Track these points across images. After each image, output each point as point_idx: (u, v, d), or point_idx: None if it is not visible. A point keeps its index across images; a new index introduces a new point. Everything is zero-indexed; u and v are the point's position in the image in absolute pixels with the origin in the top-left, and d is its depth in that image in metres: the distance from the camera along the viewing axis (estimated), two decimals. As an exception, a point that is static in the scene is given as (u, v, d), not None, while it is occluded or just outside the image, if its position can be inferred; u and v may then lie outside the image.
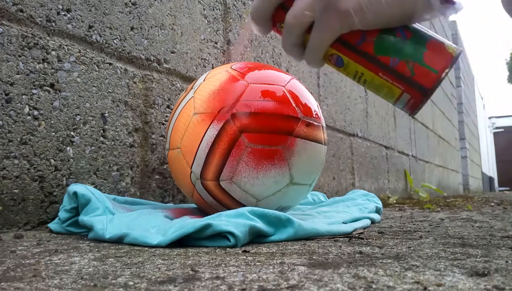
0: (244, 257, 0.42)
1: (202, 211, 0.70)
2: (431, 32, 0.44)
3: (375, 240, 0.54)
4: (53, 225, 0.61)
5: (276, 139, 0.61)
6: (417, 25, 0.44)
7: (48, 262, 0.40)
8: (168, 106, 0.87)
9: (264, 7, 0.47)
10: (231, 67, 0.67)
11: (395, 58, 0.43)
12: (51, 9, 0.66)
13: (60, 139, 0.66)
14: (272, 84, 0.64)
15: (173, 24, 0.89)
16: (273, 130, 0.61)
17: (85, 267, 0.37)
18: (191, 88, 0.68)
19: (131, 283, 0.31)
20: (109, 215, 0.58)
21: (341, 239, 0.56)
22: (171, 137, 0.67)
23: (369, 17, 0.41)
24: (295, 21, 0.45)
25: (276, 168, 0.62)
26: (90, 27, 0.72)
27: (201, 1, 0.97)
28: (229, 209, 0.60)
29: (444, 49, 0.43)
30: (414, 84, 0.43)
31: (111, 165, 0.74)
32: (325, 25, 0.43)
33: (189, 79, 0.93)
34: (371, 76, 0.44)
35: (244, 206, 0.61)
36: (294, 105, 0.64)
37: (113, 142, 0.75)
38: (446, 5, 0.41)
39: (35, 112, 0.63)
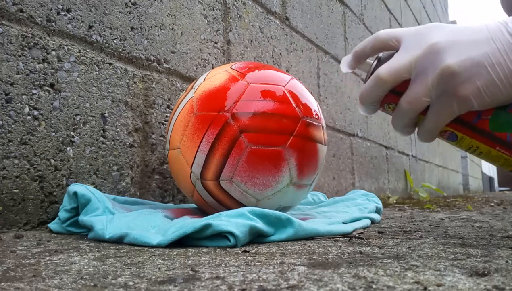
0: (244, 257, 0.42)
1: (202, 211, 0.70)
2: None
3: (375, 240, 0.54)
4: (53, 225, 0.61)
5: (276, 139, 0.61)
6: None
7: (48, 262, 0.40)
8: (168, 106, 0.87)
9: (375, 94, 0.48)
10: (231, 67, 0.67)
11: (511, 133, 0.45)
12: (51, 9, 0.66)
13: (60, 139, 0.66)
14: (272, 84, 0.64)
15: (173, 24, 0.89)
16: (273, 131, 0.61)
17: (85, 267, 0.37)
18: (191, 88, 0.68)
19: (131, 283, 0.31)
20: (109, 215, 0.58)
21: (341, 239, 0.56)
22: (171, 138, 0.67)
23: (486, 99, 0.43)
24: (410, 107, 0.46)
25: (276, 168, 0.62)
26: (90, 27, 0.72)
27: (201, 1, 0.97)
28: (229, 209, 0.60)
29: None
30: None
31: (111, 165, 0.74)
32: (443, 110, 0.45)
33: (189, 79, 0.93)
34: (487, 150, 0.47)
35: (244, 206, 0.61)
36: (294, 105, 0.64)
37: (113, 142, 0.75)
38: None
39: (35, 112, 0.63)
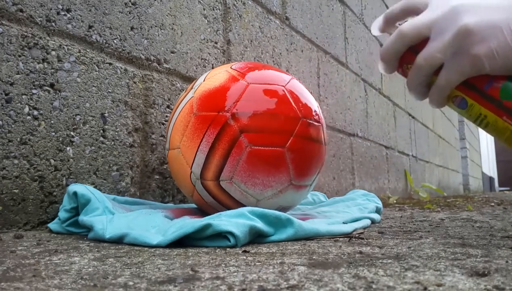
0: (244, 257, 0.42)
1: (202, 211, 0.70)
2: None
3: (375, 240, 0.54)
4: (53, 225, 0.61)
5: (276, 139, 0.61)
6: None
7: (48, 262, 0.40)
8: (168, 106, 0.87)
9: (395, 48, 0.50)
10: (231, 67, 0.67)
11: None
12: (51, 9, 0.66)
13: (60, 139, 0.66)
14: (272, 84, 0.64)
15: (173, 24, 0.89)
16: (273, 131, 0.61)
17: (85, 267, 0.37)
18: (191, 88, 0.68)
19: (131, 283, 0.31)
20: (109, 215, 0.58)
21: (341, 239, 0.56)
22: (171, 137, 0.66)
23: (498, 62, 0.44)
24: (425, 63, 0.48)
25: (276, 168, 0.62)
26: (90, 27, 0.72)
27: (201, 1, 0.97)
28: (229, 209, 0.60)
29: None
30: None
31: (111, 165, 0.74)
32: (455, 68, 0.46)
33: (189, 79, 0.93)
34: (494, 119, 0.47)
35: (244, 206, 0.61)
36: (294, 105, 0.64)
37: (113, 142, 0.75)
38: None
39: (35, 112, 0.63)
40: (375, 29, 0.56)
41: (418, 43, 0.49)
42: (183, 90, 0.91)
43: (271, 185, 0.62)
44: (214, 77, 0.66)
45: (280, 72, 0.69)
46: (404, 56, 0.51)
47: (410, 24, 0.49)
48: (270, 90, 0.63)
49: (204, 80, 0.67)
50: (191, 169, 0.63)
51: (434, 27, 0.47)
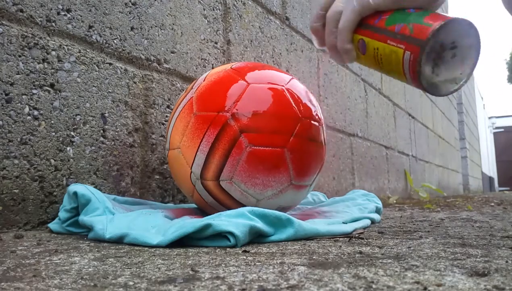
0: (244, 257, 0.42)
1: (202, 211, 0.70)
2: None
3: (375, 240, 0.54)
4: (53, 225, 0.61)
5: (276, 140, 0.61)
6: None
7: (48, 262, 0.40)
8: (168, 106, 0.87)
9: (317, 18, 0.56)
10: (231, 67, 0.67)
11: (400, 24, 0.49)
12: (51, 9, 0.66)
13: (60, 139, 0.66)
14: (272, 84, 0.64)
15: (173, 24, 0.89)
16: (273, 131, 0.61)
17: (85, 267, 0.37)
18: (191, 88, 0.68)
19: (131, 283, 0.31)
20: (109, 215, 0.58)
21: (341, 239, 0.56)
22: (171, 138, 0.66)
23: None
24: (331, 13, 0.54)
25: (276, 168, 0.62)
26: (90, 27, 0.72)
27: (201, 1, 0.97)
28: (229, 209, 0.60)
29: (445, 14, 0.48)
30: (412, 40, 0.47)
31: (111, 165, 0.74)
32: (348, 9, 0.52)
33: (189, 79, 0.93)
34: (382, 47, 0.50)
35: (244, 206, 0.61)
36: (294, 105, 0.64)
37: (113, 143, 0.75)
38: None
39: (35, 112, 0.63)
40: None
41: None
42: (183, 90, 0.91)
43: (271, 185, 0.62)
44: (214, 77, 0.66)
45: (280, 72, 0.69)
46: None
47: None
48: (270, 90, 0.63)
49: (204, 80, 0.67)
50: (191, 169, 0.63)
51: None
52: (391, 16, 0.50)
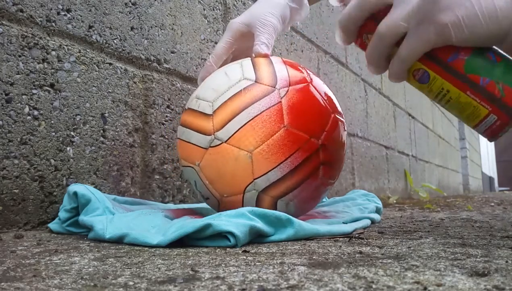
0: (244, 257, 0.42)
1: (202, 211, 0.70)
2: None
3: (375, 240, 0.54)
4: (53, 225, 0.61)
5: (338, 171, 0.66)
6: (505, 54, 0.45)
7: (48, 262, 0.40)
8: (168, 106, 0.87)
9: (356, 16, 0.47)
10: (309, 78, 0.63)
11: (486, 78, 0.43)
12: (51, 9, 0.66)
13: (60, 139, 0.66)
14: (341, 114, 0.66)
15: (173, 24, 0.89)
16: (339, 163, 0.65)
17: (85, 267, 0.37)
18: (273, 82, 0.60)
19: (131, 283, 0.31)
20: (109, 215, 0.58)
21: (341, 239, 0.56)
22: (240, 134, 0.58)
23: (465, 32, 0.42)
24: (388, 31, 0.45)
25: (320, 198, 0.67)
26: (90, 27, 0.72)
27: (201, 1, 0.97)
28: None
29: None
30: (503, 106, 0.43)
31: (111, 165, 0.74)
32: (420, 37, 0.43)
33: (189, 79, 0.93)
34: (457, 94, 0.44)
35: None
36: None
37: (113, 143, 0.75)
38: None
39: (35, 112, 0.63)
40: (333, 0, 0.53)
41: (379, 10, 0.46)
42: (183, 90, 0.91)
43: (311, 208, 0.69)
44: (300, 87, 0.61)
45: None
46: (364, 25, 0.47)
47: None
48: (342, 123, 0.65)
49: (288, 83, 0.60)
50: (254, 179, 0.58)
51: None
52: (471, 58, 0.43)
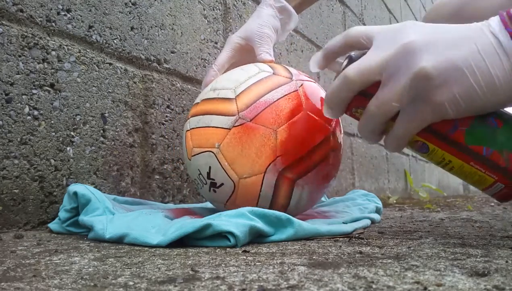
0: (244, 257, 0.42)
1: (202, 211, 0.70)
2: None
3: (375, 240, 0.54)
4: (53, 225, 0.61)
5: (338, 165, 0.69)
6: (505, 111, 0.43)
7: (48, 262, 0.40)
8: (168, 106, 0.87)
9: (342, 96, 0.45)
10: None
11: (489, 148, 0.41)
12: (51, 9, 0.66)
13: (60, 139, 0.66)
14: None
15: (173, 24, 0.89)
16: (340, 158, 0.69)
17: (85, 267, 0.37)
18: (290, 74, 0.65)
19: (131, 283, 0.31)
20: (109, 215, 0.58)
21: (341, 239, 0.56)
22: (265, 114, 0.60)
23: (463, 107, 0.40)
24: (378, 111, 0.43)
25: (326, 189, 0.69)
26: (90, 27, 0.72)
27: (201, 1, 0.97)
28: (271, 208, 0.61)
29: None
30: (509, 175, 0.41)
31: (111, 165, 0.74)
32: (415, 116, 0.41)
33: (189, 79, 0.93)
34: (460, 165, 0.43)
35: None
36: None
37: (113, 143, 0.75)
38: None
39: (35, 112, 0.63)
40: (313, 66, 0.51)
41: (368, 87, 0.44)
42: (183, 90, 0.91)
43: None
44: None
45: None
46: (353, 101, 0.45)
47: (357, 68, 0.43)
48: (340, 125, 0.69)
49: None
50: (277, 156, 0.60)
51: (386, 70, 0.41)
52: (470, 129, 0.41)
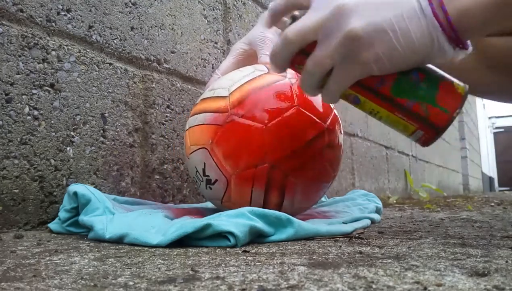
0: (244, 257, 0.42)
1: (202, 211, 0.70)
2: (440, 72, 0.47)
3: (375, 240, 0.54)
4: (53, 225, 0.61)
5: (338, 164, 0.70)
6: (429, 66, 0.47)
7: (48, 262, 0.40)
8: (168, 106, 0.87)
9: (284, 54, 0.49)
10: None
11: (411, 100, 0.46)
12: (51, 9, 0.66)
13: (60, 139, 0.66)
14: (338, 118, 0.71)
15: (173, 24, 0.89)
16: (340, 157, 0.70)
17: (85, 267, 0.37)
18: (286, 76, 0.66)
19: (131, 283, 0.31)
20: (109, 215, 0.58)
21: (341, 239, 0.56)
22: (256, 109, 0.61)
23: (387, 65, 0.44)
24: (314, 68, 0.46)
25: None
26: (90, 27, 0.72)
27: (201, 1, 0.97)
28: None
29: (454, 89, 0.46)
30: (428, 123, 0.47)
31: (111, 165, 0.74)
32: (345, 73, 0.46)
33: (189, 79, 0.93)
34: (386, 114, 0.48)
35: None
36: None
37: (113, 143, 0.75)
38: (458, 51, 0.44)
39: (35, 112, 0.63)
40: (261, 25, 0.56)
41: (306, 45, 0.47)
42: (183, 90, 0.91)
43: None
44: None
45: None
46: (294, 58, 0.49)
47: (295, 29, 0.47)
48: (340, 124, 0.70)
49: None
50: (268, 150, 0.61)
51: (321, 30, 0.45)
52: (395, 83, 0.46)
